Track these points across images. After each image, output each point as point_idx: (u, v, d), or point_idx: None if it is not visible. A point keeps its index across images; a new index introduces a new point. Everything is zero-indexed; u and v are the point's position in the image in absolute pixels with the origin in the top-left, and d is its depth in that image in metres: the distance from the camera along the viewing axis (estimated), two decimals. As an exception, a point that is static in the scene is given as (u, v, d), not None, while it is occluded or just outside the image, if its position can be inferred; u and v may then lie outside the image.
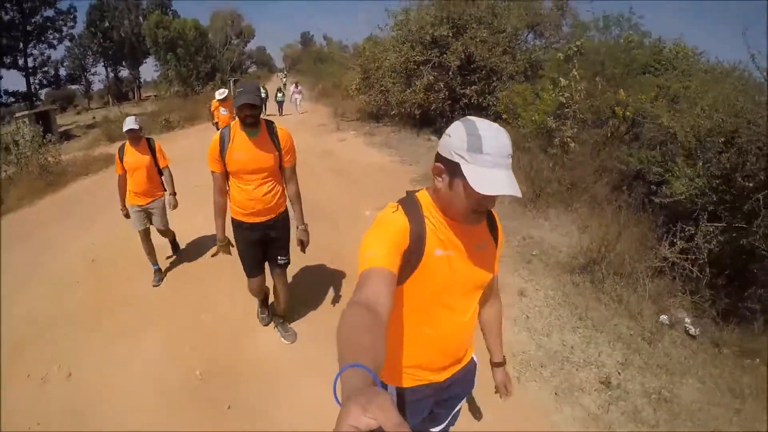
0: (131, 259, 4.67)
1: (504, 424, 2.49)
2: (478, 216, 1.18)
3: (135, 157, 4.01)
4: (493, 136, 1.07)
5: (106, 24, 37.83)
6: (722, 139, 3.87)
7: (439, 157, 1.16)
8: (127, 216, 4.23)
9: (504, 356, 1.60)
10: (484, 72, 10.79)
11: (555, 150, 6.15)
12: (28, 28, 27.16)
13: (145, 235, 4.24)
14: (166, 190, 4.28)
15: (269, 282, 3.22)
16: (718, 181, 3.79)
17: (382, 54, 12.61)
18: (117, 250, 5.04)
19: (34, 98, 27.09)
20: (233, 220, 2.91)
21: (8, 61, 25.60)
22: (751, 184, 3.49)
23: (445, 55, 10.94)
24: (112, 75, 42.14)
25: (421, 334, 1.31)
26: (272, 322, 3.49)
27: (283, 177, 2.91)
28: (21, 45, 26.47)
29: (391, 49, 12.10)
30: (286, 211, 3.01)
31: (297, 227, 2.99)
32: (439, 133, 11.39)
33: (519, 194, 1.05)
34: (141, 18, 40.01)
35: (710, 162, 3.91)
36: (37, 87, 29.51)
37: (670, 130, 4.48)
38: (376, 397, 0.54)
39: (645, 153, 5.11)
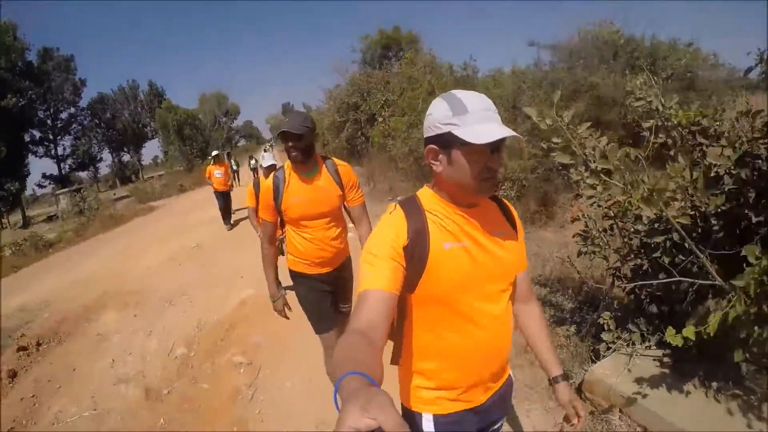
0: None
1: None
2: (489, 185, 1.07)
3: None
4: (472, 95, 1.05)
5: (108, 115, 43.69)
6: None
7: (428, 141, 1.09)
8: None
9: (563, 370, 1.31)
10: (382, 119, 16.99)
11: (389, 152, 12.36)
12: (58, 124, 34.39)
13: None
14: None
15: None
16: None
17: (321, 118, 18.94)
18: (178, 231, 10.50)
19: (66, 180, 33.39)
20: (292, 273, 2.52)
21: (42, 151, 32.52)
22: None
23: (358, 113, 17.20)
24: (116, 160, 47.44)
25: (449, 343, 1.16)
26: None
27: (351, 217, 2.52)
28: (51, 137, 33.55)
29: (325, 115, 18.44)
30: (349, 254, 2.65)
31: None
32: (359, 161, 17.32)
33: (519, 136, 1.00)
34: (139, 108, 46.92)
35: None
36: (68, 170, 35.95)
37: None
38: (376, 397, 0.54)
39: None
